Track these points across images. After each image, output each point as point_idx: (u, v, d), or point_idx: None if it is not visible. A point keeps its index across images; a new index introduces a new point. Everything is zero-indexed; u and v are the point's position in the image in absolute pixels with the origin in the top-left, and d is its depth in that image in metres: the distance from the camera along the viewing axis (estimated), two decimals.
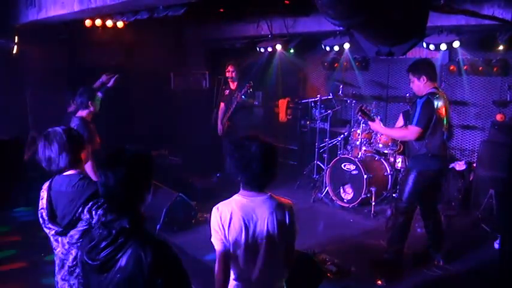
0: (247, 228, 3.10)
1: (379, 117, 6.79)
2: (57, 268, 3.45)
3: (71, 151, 3.35)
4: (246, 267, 3.17)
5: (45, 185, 3.42)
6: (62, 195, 3.29)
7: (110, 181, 2.51)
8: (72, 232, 3.25)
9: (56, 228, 3.26)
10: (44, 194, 3.38)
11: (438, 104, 5.54)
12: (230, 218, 3.10)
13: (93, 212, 3.20)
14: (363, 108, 6.43)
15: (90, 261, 2.50)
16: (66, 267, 3.37)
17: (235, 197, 3.22)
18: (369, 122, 6.30)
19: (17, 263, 6.23)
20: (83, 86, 6.43)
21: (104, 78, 7.36)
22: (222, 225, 3.10)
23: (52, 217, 3.29)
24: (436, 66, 5.95)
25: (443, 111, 5.59)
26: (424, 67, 5.78)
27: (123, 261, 2.43)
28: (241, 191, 3.23)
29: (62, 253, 3.35)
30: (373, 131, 8.16)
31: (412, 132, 5.64)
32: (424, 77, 5.73)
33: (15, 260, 6.32)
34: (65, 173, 3.38)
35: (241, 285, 3.23)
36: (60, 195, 3.31)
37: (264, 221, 3.12)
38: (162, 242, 2.56)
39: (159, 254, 2.46)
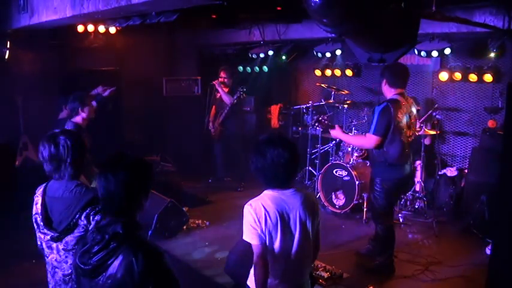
0: (282, 219, 3.25)
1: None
2: (49, 276, 3.39)
3: (76, 163, 3.28)
4: (280, 259, 3.30)
5: (39, 190, 3.36)
6: (58, 201, 3.24)
7: (110, 184, 2.52)
8: (67, 238, 3.19)
9: (52, 234, 3.19)
10: (38, 199, 3.31)
11: (399, 112, 5.48)
12: (265, 212, 3.22)
13: (91, 218, 3.15)
14: (320, 118, 6.39)
15: (82, 266, 2.50)
16: (60, 276, 3.30)
17: (266, 192, 3.36)
18: (330, 130, 6.20)
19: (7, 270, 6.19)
20: (74, 91, 6.39)
21: (100, 89, 7.26)
22: (259, 220, 3.22)
23: (48, 223, 3.23)
24: (407, 74, 5.81)
25: (403, 120, 5.53)
26: (386, 71, 5.73)
27: (114, 267, 2.43)
28: (268, 189, 3.36)
29: (56, 260, 3.28)
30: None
31: (369, 140, 5.61)
32: (384, 81, 5.73)
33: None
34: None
35: (275, 276, 3.32)
36: (55, 201, 3.25)
37: (296, 211, 3.29)
38: (154, 249, 2.56)
39: (150, 261, 2.47)
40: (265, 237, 3.23)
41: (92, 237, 2.53)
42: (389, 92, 5.71)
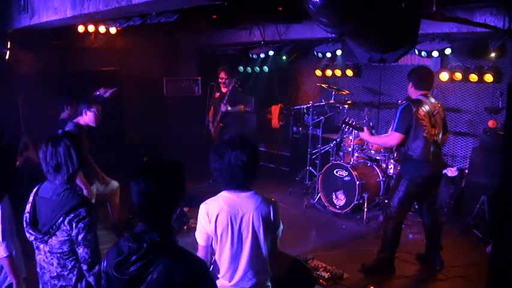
0: (233, 222, 3.23)
1: (371, 126, 6.86)
2: (40, 272, 3.41)
3: (71, 169, 3.26)
4: (231, 263, 3.29)
5: (34, 190, 3.36)
6: (46, 202, 3.23)
7: (151, 189, 2.46)
8: (52, 241, 3.19)
9: (35, 235, 3.20)
10: (31, 198, 3.33)
11: (420, 110, 5.62)
12: (217, 212, 3.23)
13: (74, 225, 3.13)
14: (346, 120, 6.54)
15: (118, 276, 2.39)
16: (47, 277, 3.32)
17: (222, 193, 3.35)
18: (360, 133, 6.45)
19: None
20: (75, 92, 6.43)
21: (101, 90, 7.35)
22: (210, 220, 3.25)
23: (33, 223, 3.24)
24: (432, 77, 6.01)
25: (426, 117, 5.64)
26: (412, 74, 5.94)
27: (153, 277, 2.35)
28: (225, 190, 3.36)
29: (43, 260, 3.30)
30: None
31: (392, 138, 5.79)
32: (411, 83, 5.93)
33: None
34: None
35: (226, 278, 3.32)
36: (44, 202, 3.25)
37: (249, 215, 3.25)
38: (194, 258, 2.53)
39: (191, 270, 2.41)
40: (215, 238, 3.27)
41: (128, 246, 2.43)
42: (414, 94, 5.91)
